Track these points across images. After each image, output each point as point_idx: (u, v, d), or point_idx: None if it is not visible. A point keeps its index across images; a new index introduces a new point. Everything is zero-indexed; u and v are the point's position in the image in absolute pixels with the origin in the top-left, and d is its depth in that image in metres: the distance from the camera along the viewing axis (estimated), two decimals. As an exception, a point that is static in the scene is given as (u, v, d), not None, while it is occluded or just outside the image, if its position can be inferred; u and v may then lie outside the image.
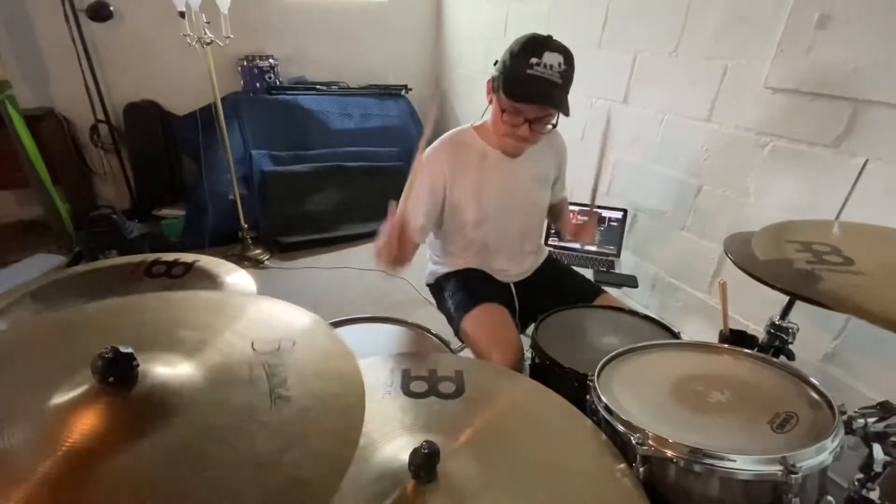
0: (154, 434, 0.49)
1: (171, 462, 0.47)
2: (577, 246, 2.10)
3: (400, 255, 1.03)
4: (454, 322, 1.34)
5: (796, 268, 0.77)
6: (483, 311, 1.25)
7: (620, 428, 0.73)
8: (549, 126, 1.19)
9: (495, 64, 1.18)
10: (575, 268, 1.60)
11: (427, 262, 1.53)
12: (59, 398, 0.51)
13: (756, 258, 0.85)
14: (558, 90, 1.10)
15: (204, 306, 0.72)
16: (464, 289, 1.34)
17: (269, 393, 0.55)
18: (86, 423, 0.49)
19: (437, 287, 1.48)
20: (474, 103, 1.34)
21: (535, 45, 1.09)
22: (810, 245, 0.83)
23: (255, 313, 0.71)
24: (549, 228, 2.11)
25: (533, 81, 1.08)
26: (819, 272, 0.74)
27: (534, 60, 1.07)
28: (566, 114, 1.13)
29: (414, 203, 1.26)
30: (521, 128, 1.15)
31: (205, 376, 0.57)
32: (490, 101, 1.22)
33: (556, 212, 1.54)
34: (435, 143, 1.31)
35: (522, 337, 1.52)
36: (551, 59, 1.08)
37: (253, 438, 0.50)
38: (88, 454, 0.46)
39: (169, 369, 0.57)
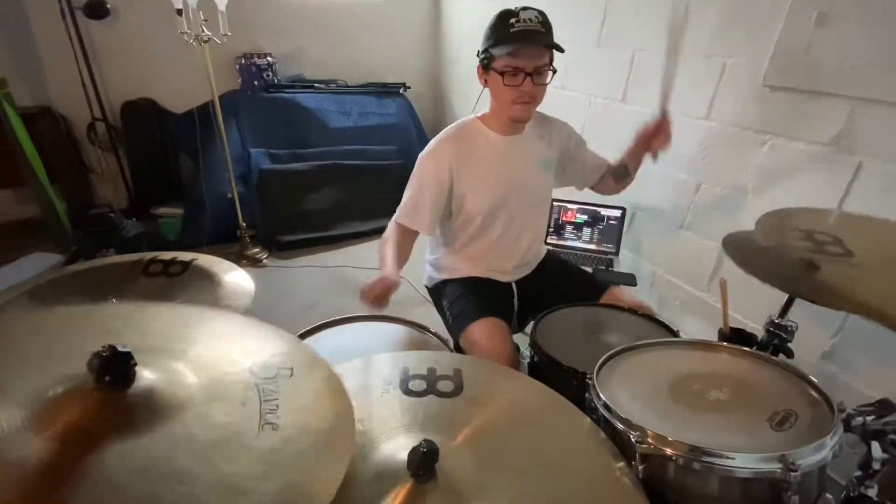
0: (138, 439, 0.48)
1: (147, 471, 0.46)
2: (575, 244, 2.10)
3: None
4: (452, 334, 1.34)
5: (795, 257, 0.76)
6: (480, 326, 1.25)
7: (619, 426, 0.73)
8: (549, 74, 1.23)
9: (478, 54, 1.24)
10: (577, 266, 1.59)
11: (425, 264, 1.53)
12: (54, 392, 0.51)
13: (754, 257, 0.85)
14: (544, 35, 1.18)
15: (209, 324, 0.72)
16: (461, 301, 1.34)
17: (258, 417, 0.54)
18: (76, 420, 0.48)
19: (436, 293, 1.48)
20: (473, 101, 1.33)
21: (508, 11, 1.17)
22: (812, 234, 0.83)
23: (257, 337, 0.70)
24: (547, 226, 2.11)
25: (519, 33, 1.15)
26: (818, 262, 0.74)
27: (513, 20, 1.16)
28: (560, 50, 1.19)
29: (418, 198, 1.28)
30: (524, 84, 1.18)
31: (199, 389, 0.56)
32: (485, 84, 1.27)
33: (615, 172, 1.47)
34: (439, 136, 1.32)
35: (521, 335, 1.52)
36: (527, 14, 1.17)
37: (234, 461, 0.49)
38: (71, 450, 0.46)
39: (165, 376, 0.56)
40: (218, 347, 0.66)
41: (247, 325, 0.73)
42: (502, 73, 1.18)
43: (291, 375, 0.63)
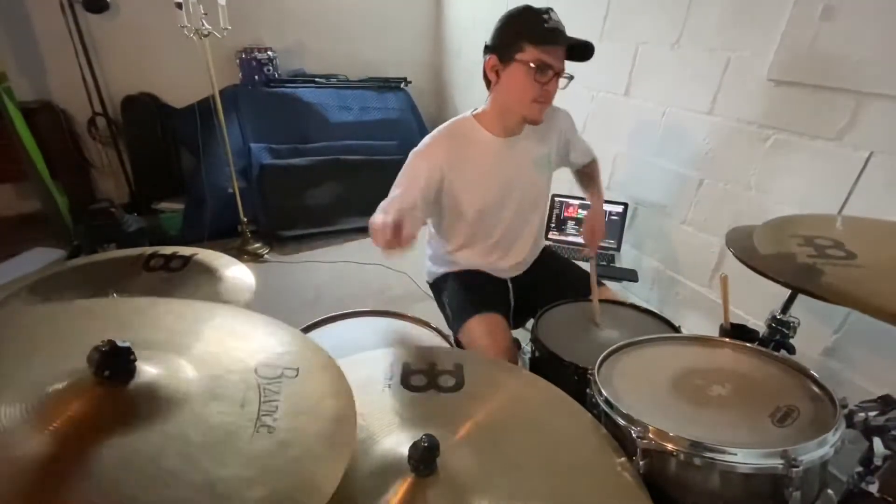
0: (132, 437, 0.48)
1: (136, 470, 0.45)
2: (576, 240, 2.09)
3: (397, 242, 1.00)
4: (452, 329, 1.34)
5: (798, 262, 0.76)
6: (479, 321, 1.24)
7: (621, 421, 0.73)
8: (566, 81, 1.20)
9: (487, 47, 1.19)
10: (575, 261, 1.60)
11: (425, 259, 1.52)
12: (54, 387, 0.51)
13: (758, 252, 0.84)
14: (567, 39, 1.15)
15: (219, 320, 0.71)
16: (460, 295, 1.34)
17: (255, 419, 0.53)
18: (74, 415, 0.48)
19: (437, 288, 1.48)
20: (474, 95, 1.32)
21: (536, 8, 1.14)
22: (813, 239, 0.82)
23: (267, 334, 0.70)
24: (548, 222, 2.10)
25: (554, 29, 1.13)
26: (821, 266, 0.74)
27: (545, 16, 1.12)
28: (586, 57, 1.17)
29: (405, 195, 1.23)
30: (550, 83, 1.16)
31: (200, 386, 0.56)
32: (496, 78, 1.20)
33: (586, 174, 1.52)
34: (431, 135, 1.29)
35: (522, 331, 1.52)
36: (556, 15, 1.14)
37: (223, 464, 0.47)
38: (67, 446, 0.46)
39: (167, 372, 0.56)
40: (225, 344, 0.65)
41: (258, 322, 0.72)
42: (535, 68, 1.12)
43: (296, 376, 0.61)
